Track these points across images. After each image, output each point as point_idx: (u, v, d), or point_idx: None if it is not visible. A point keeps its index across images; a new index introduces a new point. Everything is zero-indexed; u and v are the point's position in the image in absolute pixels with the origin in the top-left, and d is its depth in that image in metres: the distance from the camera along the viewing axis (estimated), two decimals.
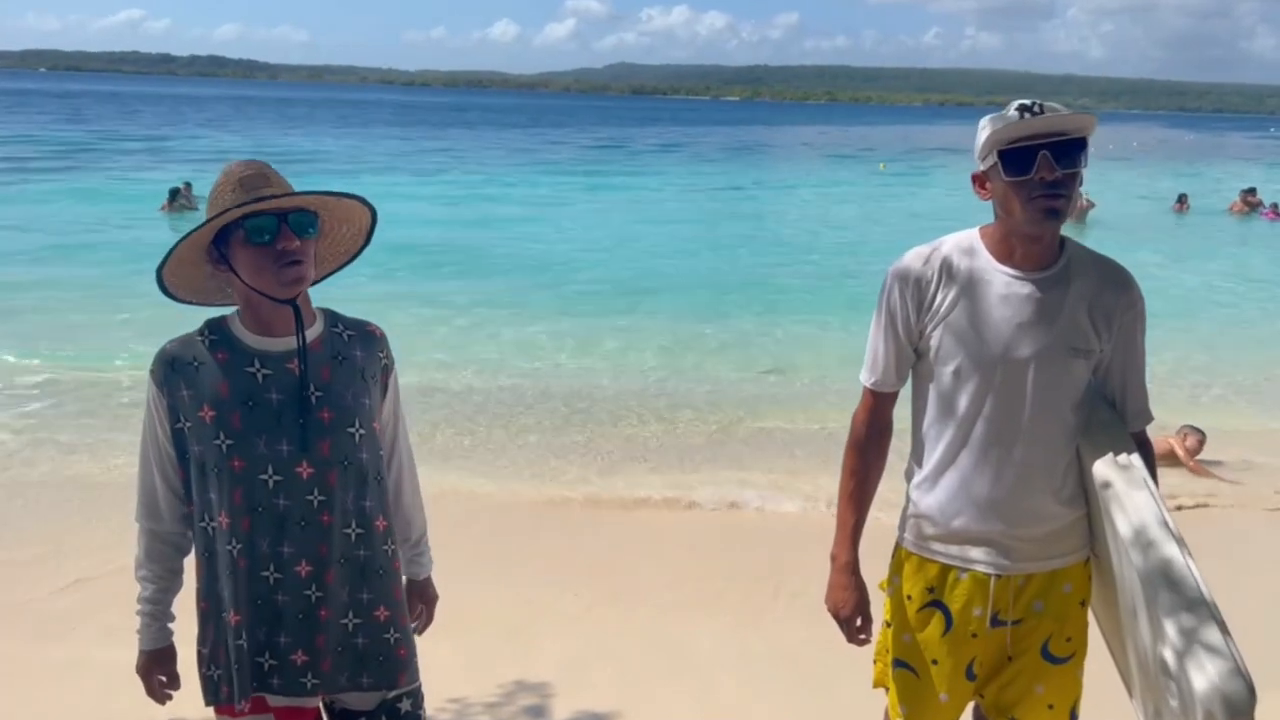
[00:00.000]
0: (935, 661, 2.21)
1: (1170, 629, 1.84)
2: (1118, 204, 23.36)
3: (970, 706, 2.39)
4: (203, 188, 18.85)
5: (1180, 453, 6.79)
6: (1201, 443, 6.90)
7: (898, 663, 2.27)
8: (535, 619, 4.49)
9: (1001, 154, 1.98)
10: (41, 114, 60.62)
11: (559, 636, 4.33)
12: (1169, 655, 1.85)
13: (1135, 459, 2.05)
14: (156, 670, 2.12)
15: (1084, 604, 2.23)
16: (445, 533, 5.20)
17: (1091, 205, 20.32)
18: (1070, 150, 1.97)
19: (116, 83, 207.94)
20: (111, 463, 6.46)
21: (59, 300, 11.68)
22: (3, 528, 5.53)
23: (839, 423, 7.59)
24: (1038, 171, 1.95)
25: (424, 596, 2.35)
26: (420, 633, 2.33)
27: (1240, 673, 1.77)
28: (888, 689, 2.33)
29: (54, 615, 4.45)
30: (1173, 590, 1.87)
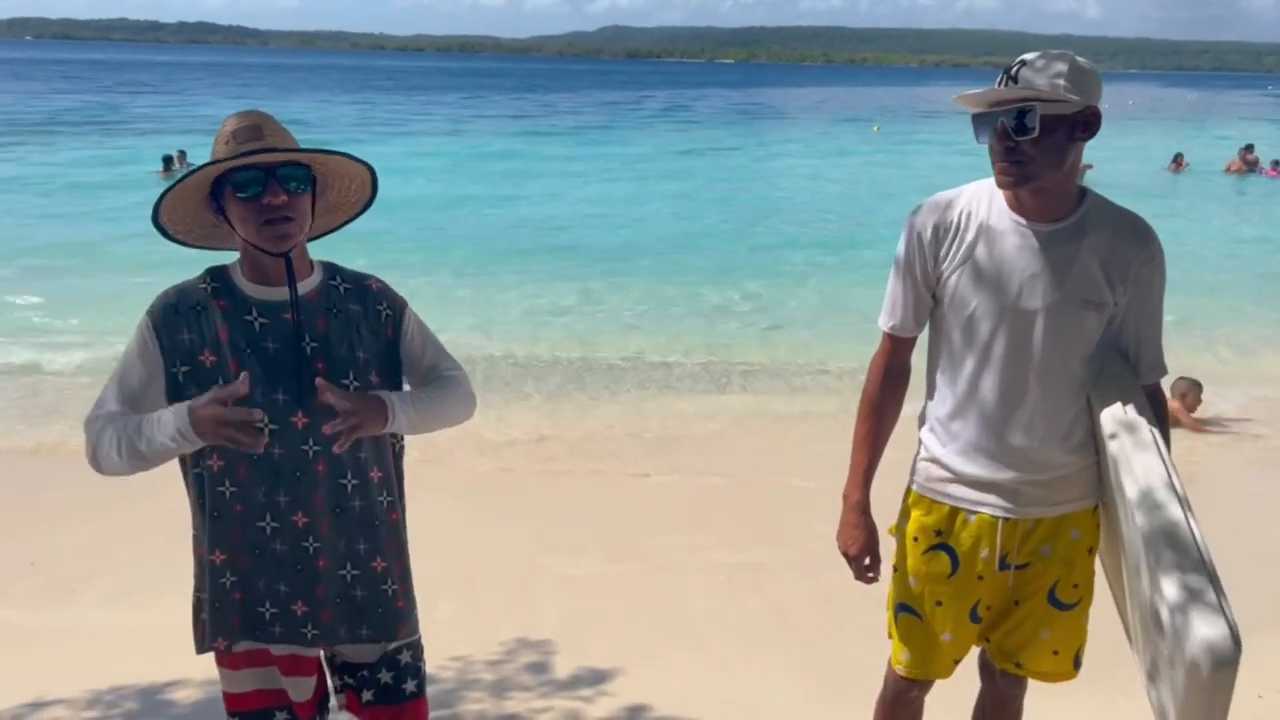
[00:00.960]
0: (940, 603, 2.23)
1: (1167, 586, 1.87)
2: (1112, 164, 23.28)
3: (976, 653, 2.42)
4: (199, 156, 18.86)
5: (1181, 415, 6.65)
6: (1199, 396, 6.86)
7: (901, 607, 2.30)
8: (535, 579, 4.51)
9: (972, 119, 2.07)
10: (32, 81, 60.08)
11: (559, 597, 4.36)
12: (1164, 611, 1.88)
13: (1144, 415, 2.06)
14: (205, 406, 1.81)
15: (1091, 551, 2.25)
16: (450, 498, 5.25)
17: (1088, 166, 20.27)
18: (1019, 117, 1.98)
19: (105, 50, 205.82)
20: None
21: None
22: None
23: (839, 384, 7.65)
24: (999, 140, 2.01)
25: (363, 404, 1.93)
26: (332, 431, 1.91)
27: (1229, 627, 1.80)
28: (891, 637, 2.35)
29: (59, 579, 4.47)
30: (1173, 551, 1.89)
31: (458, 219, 16.12)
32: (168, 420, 1.84)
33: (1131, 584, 2.07)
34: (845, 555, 2.30)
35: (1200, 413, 6.92)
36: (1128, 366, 2.15)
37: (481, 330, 9.26)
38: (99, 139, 27.42)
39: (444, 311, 9.57)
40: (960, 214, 2.13)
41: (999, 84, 2.00)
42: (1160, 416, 2.13)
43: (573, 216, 16.89)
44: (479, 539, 4.84)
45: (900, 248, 2.19)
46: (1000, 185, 2.07)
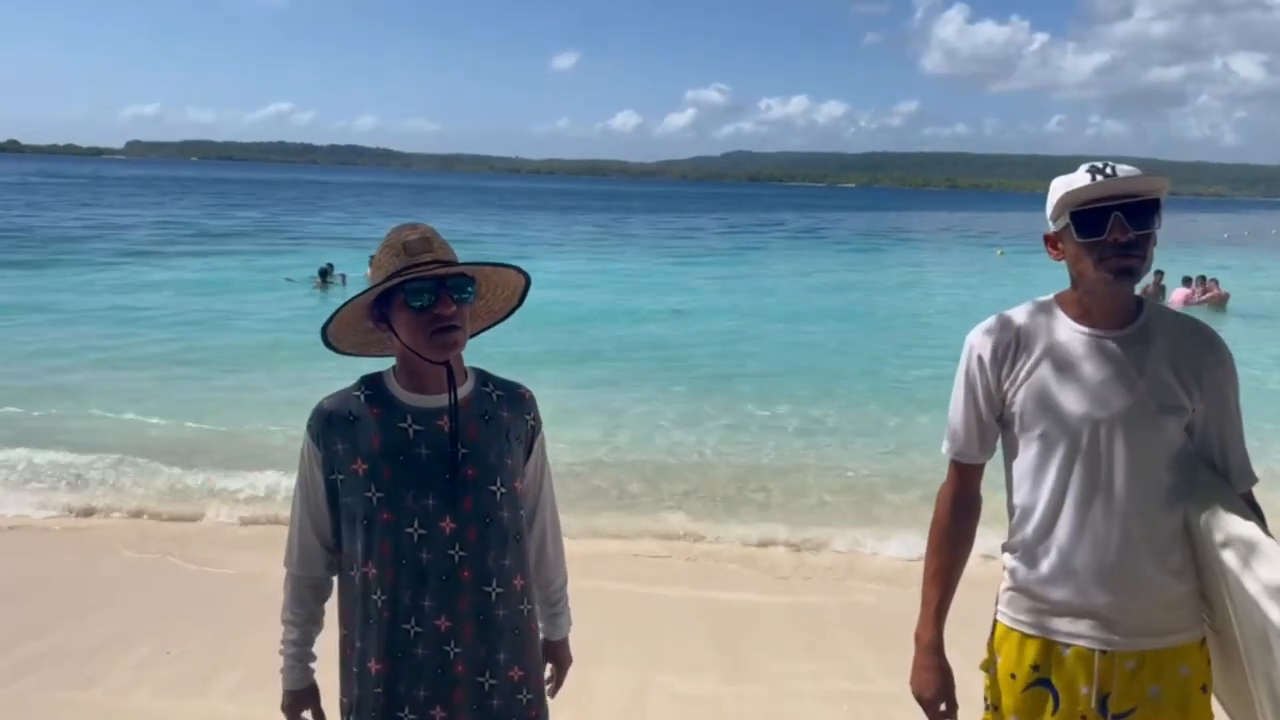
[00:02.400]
0: None
1: None
2: (1252, 294, 22.32)
3: None
4: (350, 268, 20.19)
5: None
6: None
7: None
8: (649, 695, 4.44)
9: (1074, 215, 2.01)
10: (191, 198, 64.95)
11: (675, 717, 4.26)
12: None
13: (1252, 520, 1.94)
14: (300, 708, 2.17)
15: (1205, 689, 2.08)
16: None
17: (1226, 296, 19.63)
18: (1143, 211, 1.98)
19: (262, 170, 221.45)
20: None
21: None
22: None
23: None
24: (1110, 233, 1.97)
25: (557, 658, 2.36)
26: (551, 696, 2.33)
27: None
28: None
29: (189, 671, 4.61)
30: None
31: (590, 333, 16.47)
32: (284, 671, 2.16)
33: (1268, 708, 1.89)
34: (919, 700, 2.20)
35: None
36: (1218, 476, 2.04)
37: (600, 441, 9.36)
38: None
39: (569, 420, 9.71)
40: (1021, 330, 2.09)
41: (1101, 180, 1.99)
42: (1261, 523, 1.98)
43: (696, 335, 17.06)
44: (593, 650, 4.80)
45: (960, 371, 2.15)
46: (1110, 284, 1.99)
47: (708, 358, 14.76)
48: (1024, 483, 2.10)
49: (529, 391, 2.21)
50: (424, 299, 1.96)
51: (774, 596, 5.89)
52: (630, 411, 10.95)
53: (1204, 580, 2.02)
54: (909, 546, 6.34)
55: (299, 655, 2.16)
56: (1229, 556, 1.91)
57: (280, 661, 2.18)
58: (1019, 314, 2.14)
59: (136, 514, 7.03)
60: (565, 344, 15.20)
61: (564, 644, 2.37)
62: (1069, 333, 2.06)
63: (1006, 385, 2.08)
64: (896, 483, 8.48)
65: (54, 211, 45.10)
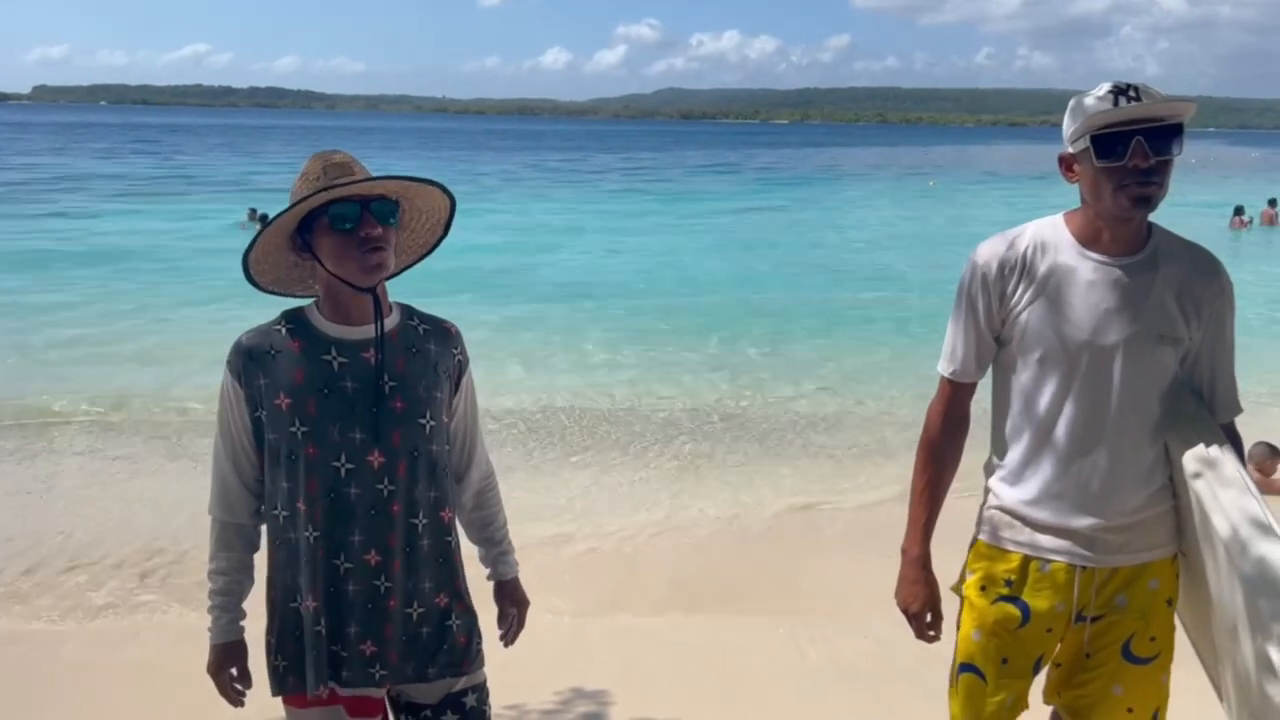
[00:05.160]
0: (1005, 660, 2.14)
1: (1277, 629, 1.77)
2: (1173, 221, 22.87)
3: (1049, 712, 2.32)
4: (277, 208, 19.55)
5: (1260, 482, 6.27)
6: (1277, 462, 6.58)
7: (964, 667, 2.19)
8: (589, 631, 4.48)
9: (1094, 139, 1.95)
10: (105, 145, 62.46)
11: (616, 647, 4.32)
12: (1277, 656, 1.77)
13: (1227, 452, 1.98)
14: (228, 665, 2.10)
15: (1170, 603, 2.14)
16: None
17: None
18: (1165, 136, 1.93)
19: (179, 115, 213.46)
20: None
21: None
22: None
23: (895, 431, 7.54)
24: (1131, 158, 1.92)
25: (514, 599, 2.34)
26: (512, 641, 2.33)
27: None
28: (951, 697, 2.25)
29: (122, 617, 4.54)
30: (1275, 591, 1.79)
31: (509, 276, 16.32)
32: (211, 626, 2.09)
33: (1224, 635, 1.96)
34: (905, 613, 2.23)
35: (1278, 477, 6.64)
36: (1203, 405, 2.08)
37: (527, 386, 9.32)
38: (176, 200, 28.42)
39: (491, 363, 9.63)
40: (1028, 250, 2.06)
41: (1125, 104, 1.93)
42: (1239, 455, 2.04)
43: (623, 273, 17.02)
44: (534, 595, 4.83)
45: (961, 289, 2.12)
46: (1127, 210, 1.95)
47: (637, 296, 14.73)
48: (1015, 404, 2.11)
49: (455, 327, 2.16)
50: (349, 222, 1.91)
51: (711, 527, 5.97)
52: (561, 352, 10.93)
53: (1179, 503, 2.06)
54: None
55: (225, 606, 2.10)
56: (1201, 487, 1.95)
57: (207, 617, 2.11)
58: (1025, 234, 2.09)
59: None
60: (496, 289, 15.04)
61: (516, 583, 2.35)
62: (1076, 257, 2.03)
63: (1009, 306, 2.06)
64: (829, 419, 8.61)
65: None
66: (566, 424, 8.14)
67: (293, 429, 1.95)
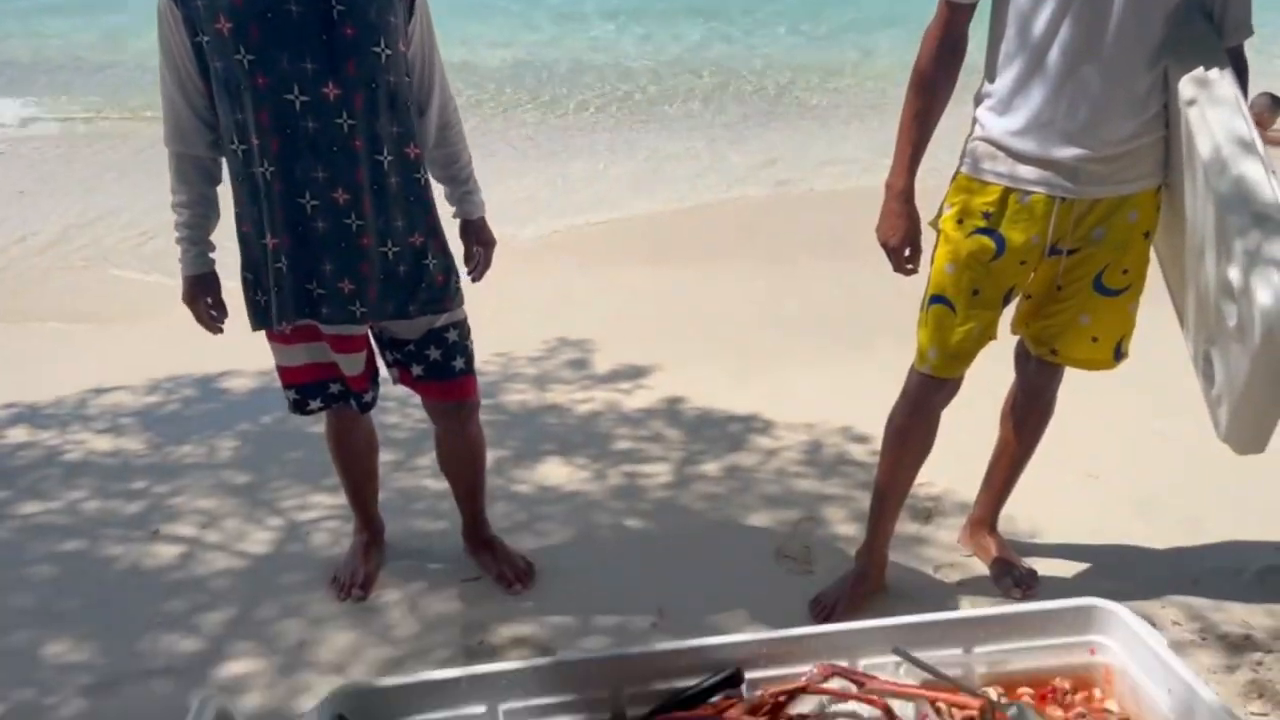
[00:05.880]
0: (976, 291, 2.14)
1: (1239, 247, 1.74)
2: None
3: (1015, 341, 2.37)
4: None
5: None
6: (1275, 109, 6.33)
7: (934, 299, 2.18)
8: (575, 285, 4.57)
9: None
10: None
11: (596, 298, 4.42)
12: (1234, 274, 1.76)
13: (1226, 74, 1.88)
14: (202, 295, 2.10)
15: (1147, 236, 2.12)
16: None
17: None
18: None
19: None
20: None
21: None
22: None
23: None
24: None
25: (480, 238, 2.30)
26: (479, 277, 2.31)
27: None
28: (920, 329, 2.25)
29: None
30: (1248, 206, 1.75)
31: None
32: (180, 259, 2.06)
33: (1193, 254, 1.94)
34: (885, 246, 2.18)
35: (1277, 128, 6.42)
36: (1211, 28, 1.94)
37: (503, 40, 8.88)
38: None
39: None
40: None
41: None
42: (1242, 80, 1.94)
43: None
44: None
45: None
46: None
47: None
48: (1011, 27, 1.97)
49: None
50: None
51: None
52: None
53: (1169, 132, 1.98)
54: None
55: (193, 239, 2.07)
56: (1193, 114, 1.86)
57: (177, 250, 2.09)
58: None
59: None
60: None
61: (483, 223, 2.31)
62: None
63: None
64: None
65: None
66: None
67: (238, 57, 1.82)
